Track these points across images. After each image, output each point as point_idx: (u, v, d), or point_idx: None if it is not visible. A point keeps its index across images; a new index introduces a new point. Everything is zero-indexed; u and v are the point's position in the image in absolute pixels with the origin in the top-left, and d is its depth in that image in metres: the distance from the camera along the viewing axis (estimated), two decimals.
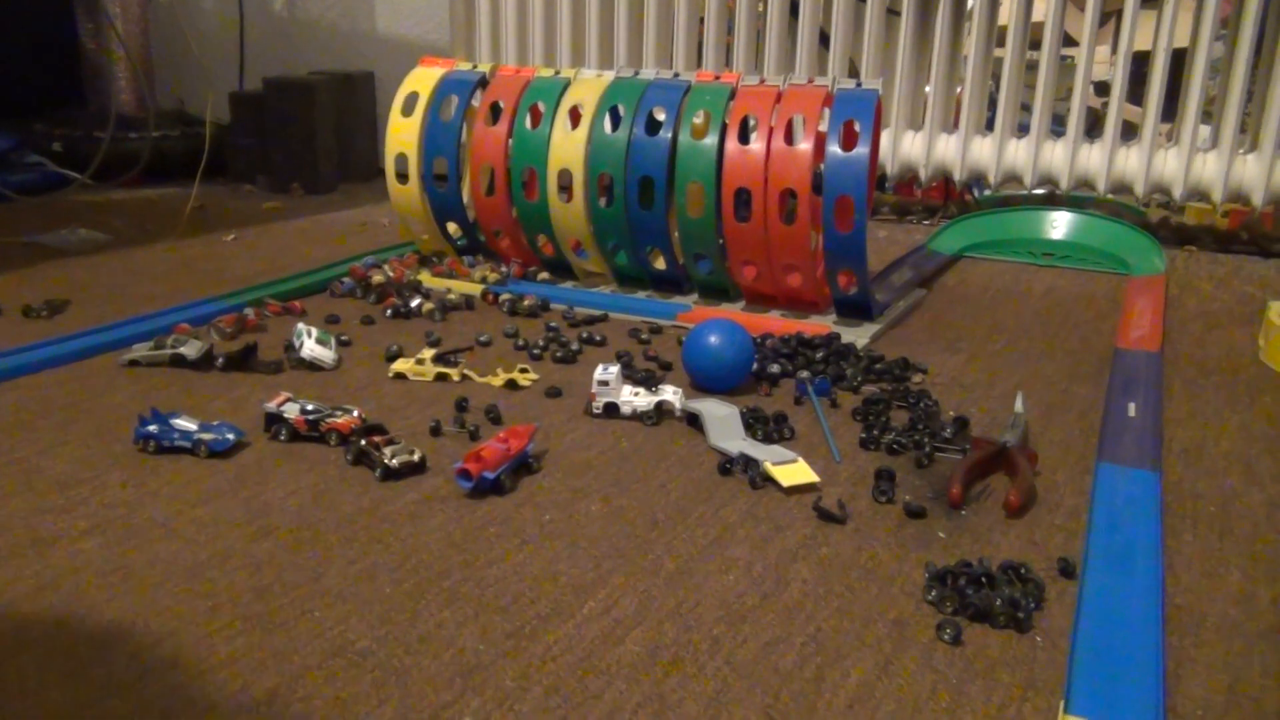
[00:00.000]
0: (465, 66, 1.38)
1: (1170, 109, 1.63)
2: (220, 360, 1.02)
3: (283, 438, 0.84)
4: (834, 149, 1.09)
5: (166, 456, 0.82)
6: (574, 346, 1.08)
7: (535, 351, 1.08)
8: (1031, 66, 1.67)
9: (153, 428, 0.82)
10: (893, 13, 1.72)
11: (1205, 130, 1.63)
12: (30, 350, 1.05)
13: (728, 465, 0.80)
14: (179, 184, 1.99)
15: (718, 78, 1.23)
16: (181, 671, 0.54)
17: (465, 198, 1.39)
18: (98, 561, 0.65)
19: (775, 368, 1.02)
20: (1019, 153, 1.68)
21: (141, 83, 2.11)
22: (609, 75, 1.29)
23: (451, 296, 1.26)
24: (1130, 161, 1.62)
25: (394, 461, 0.78)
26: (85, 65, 2.12)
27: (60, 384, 0.98)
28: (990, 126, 1.71)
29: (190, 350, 1.02)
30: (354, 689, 0.53)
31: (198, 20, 2.33)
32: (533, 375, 1.00)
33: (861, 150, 1.09)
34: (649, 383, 0.96)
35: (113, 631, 0.58)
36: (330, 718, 0.51)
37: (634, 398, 0.91)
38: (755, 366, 1.00)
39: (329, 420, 0.84)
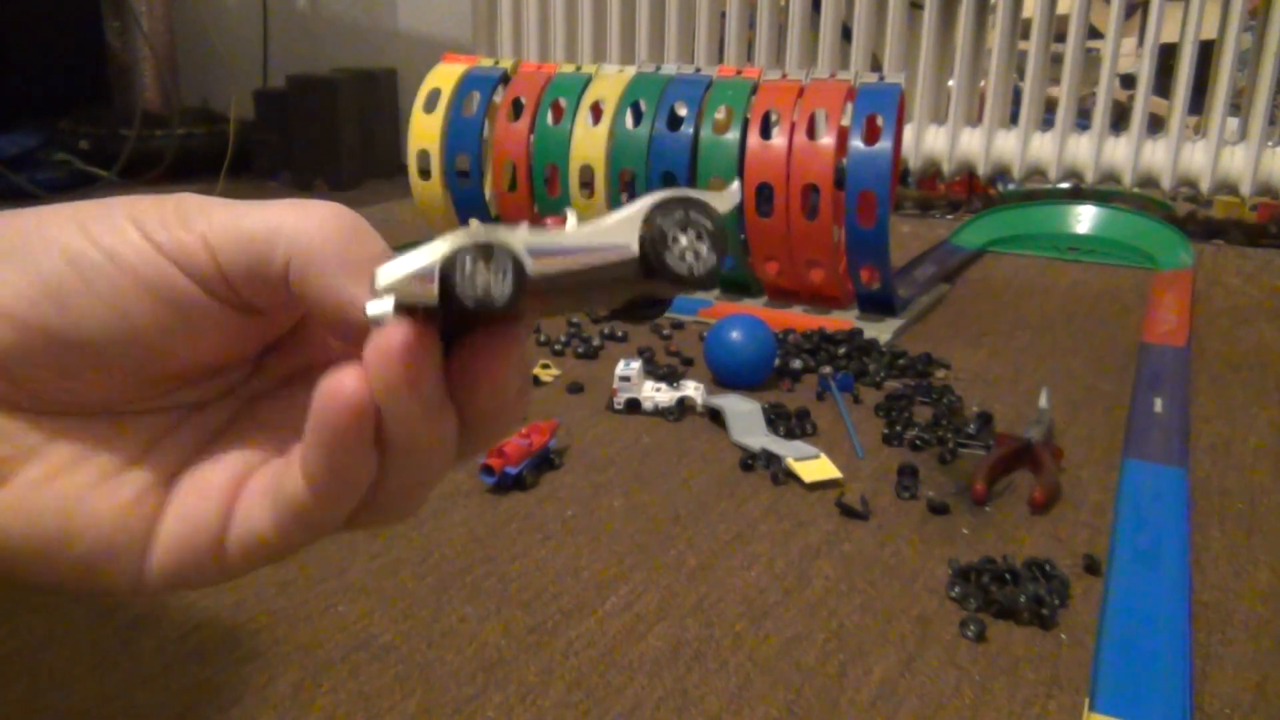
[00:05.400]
0: (487, 63, 1.39)
1: (1198, 101, 1.62)
2: None
3: None
4: (857, 144, 1.09)
5: None
6: (595, 342, 1.08)
7: (557, 347, 1.08)
8: (1056, 59, 1.65)
9: None
10: (916, 6, 1.71)
11: (1233, 123, 1.61)
12: None
13: (750, 461, 0.80)
14: (204, 181, 2.01)
15: (739, 73, 1.22)
16: (207, 664, 0.55)
17: (487, 194, 1.40)
18: None
19: (797, 363, 1.01)
20: (1044, 147, 1.66)
21: (166, 80, 2.13)
22: (630, 71, 1.28)
23: None
24: (1157, 155, 1.60)
25: None
26: (111, 63, 2.14)
27: None
28: (1015, 120, 1.69)
29: None
30: (378, 683, 0.54)
31: (222, 18, 2.35)
32: (554, 370, 1.01)
33: (884, 145, 1.08)
34: (671, 378, 0.96)
35: (140, 625, 0.58)
36: (354, 712, 0.51)
37: (656, 393, 0.91)
38: (777, 362, 1.00)
39: None
